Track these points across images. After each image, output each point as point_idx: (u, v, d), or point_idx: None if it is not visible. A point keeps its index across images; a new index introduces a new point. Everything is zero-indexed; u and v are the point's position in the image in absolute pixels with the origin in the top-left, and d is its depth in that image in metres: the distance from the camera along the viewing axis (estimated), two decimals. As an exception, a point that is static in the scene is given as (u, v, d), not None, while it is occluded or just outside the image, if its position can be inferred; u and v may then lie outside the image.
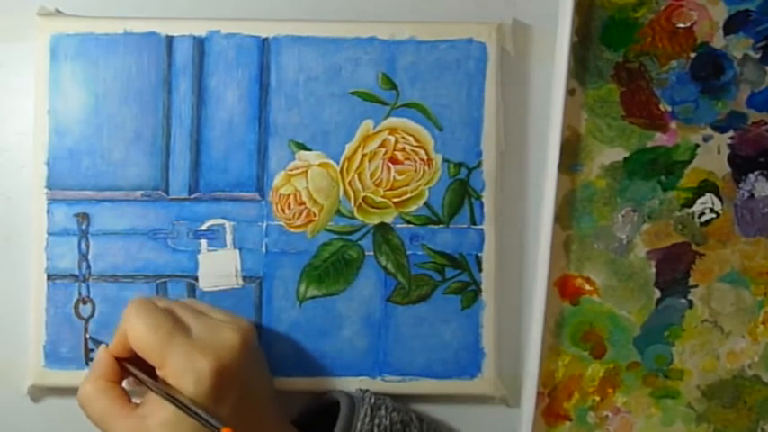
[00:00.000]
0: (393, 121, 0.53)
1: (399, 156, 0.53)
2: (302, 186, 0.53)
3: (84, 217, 0.52)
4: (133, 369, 0.47)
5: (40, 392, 0.54)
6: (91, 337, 0.52)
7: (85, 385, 0.46)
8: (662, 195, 0.55)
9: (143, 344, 0.45)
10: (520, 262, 0.55)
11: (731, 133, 0.55)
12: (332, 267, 0.53)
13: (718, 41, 0.54)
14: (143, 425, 0.44)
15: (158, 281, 0.53)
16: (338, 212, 0.53)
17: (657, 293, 0.55)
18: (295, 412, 0.53)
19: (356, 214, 0.53)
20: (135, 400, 0.46)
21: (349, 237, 0.53)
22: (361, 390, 0.52)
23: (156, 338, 0.45)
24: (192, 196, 0.53)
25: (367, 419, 0.48)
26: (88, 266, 0.52)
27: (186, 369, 0.44)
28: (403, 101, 0.53)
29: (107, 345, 0.48)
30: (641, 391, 0.56)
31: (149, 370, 0.46)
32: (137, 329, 0.45)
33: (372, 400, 0.50)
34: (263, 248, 0.53)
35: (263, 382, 0.50)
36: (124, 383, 0.48)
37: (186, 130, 0.52)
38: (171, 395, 0.44)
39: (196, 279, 0.53)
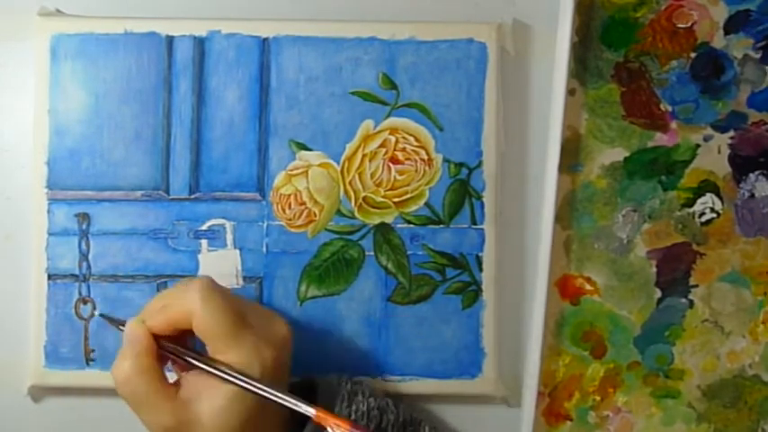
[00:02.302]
0: (393, 121, 0.53)
1: (400, 156, 0.53)
2: (303, 186, 0.53)
3: (84, 217, 0.52)
4: (184, 351, 0.45)
5: (40, 392, 0.54)
6: (103, 314, 0.51)
7: (123, 363, 0.44)
8: (662, 195, 0.55)
9: (213, 329, 0.44)
10: (520, 262, 0.55)
11: (731, 133, 0.55)
12: (332, 267, 0.53)
13: (719, 41, 0.54)
14: (187, 412, 0.43)
15: (158, 281, 0.53)
16: (339, 212, 0.53)
17: (658, 293, 0.55)
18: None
19: (357, 214, 0.53)
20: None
21: (349, 237, 0.53)
22: (337, 375, 0.52)
23: (226, 325, 0.44)
24: (193, 196, 0.53)
25: (344, 405, 0.48)
26: (88, 266, 0.52)
27: (255, 358, 0.44)
28: (403, 101, 0.53)
29: (139, 319, 0.45)
30: (642, 390, 0.56)
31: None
32: (208, 314, 0.44)
33: (350, 386, 0.50)
34: (264, 248, 0.53)
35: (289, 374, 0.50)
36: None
37: (186, 130, 0.52)
38: (236, 377, 0.43)
39: (196, 279, 0.53)
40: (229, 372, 0.44)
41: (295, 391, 0.52)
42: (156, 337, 0.45)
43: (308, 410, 0.43)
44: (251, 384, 0.43)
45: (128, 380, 0.44)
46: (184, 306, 0.45)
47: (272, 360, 0.45)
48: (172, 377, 0.46)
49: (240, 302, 0.47)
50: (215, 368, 0.44)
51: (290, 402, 0.44)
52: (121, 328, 0.47)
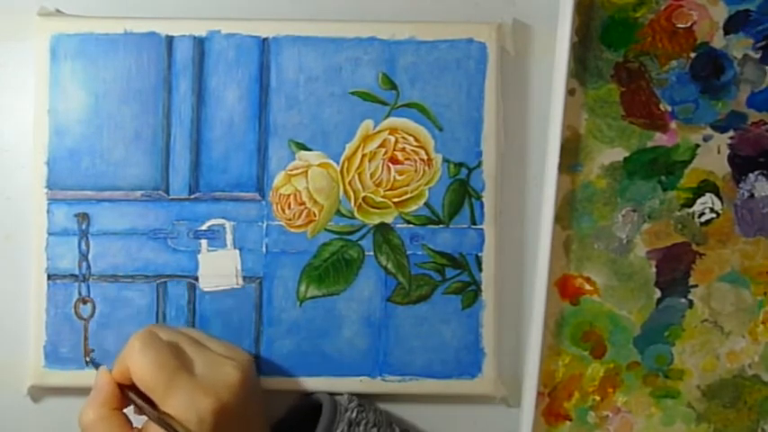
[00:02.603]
0: (393, 121, 0.53)
1: (399, 156, 0.53)
2: (302, 186, 0.53)
3: (84, 217, 0.52)
4: (135, 398, 0.46)
5: (40, 392, 0.54)
6: (92, 360, 0.52)
7: (88, 412, 0.46)
8: (662, 195, 0.55)
9: (147, 380, 0.45)
10: (520, 262, 0.55)
11: (731, 133, 0.55)
12: (332, 267, 0.53)
13: (719, 41, 0.54)
14: None
15: (158, 281, 0.53)
16: (338, 212, 0.53)
17: (657, 293, 0.55)
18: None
19: (356, 214, 0.53)
20: (136, 425, 0.46)
21: (349, 237, 0.53)
22: (349, 396, 0.52)
23: (159, 376, 0.45)
24: (192, 196, 0.53)
25: None
26: (88, 266, 0.52)
27: (189, 408, 0.44)
28: (403, 101, 0.53)
29: (108, 369, 0.47)
30: (641, 390, 0.56)
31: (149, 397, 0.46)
32: (141, 366, 0.45)
33: (354, 414, 0.50)
34: (264, 248, 0.53)
35: (260, 417, 0.50)
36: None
37: (186, 130, 0.52)
38: (172, 426, 0.44)
39: (196, 279, 0.53)
40: (171, 423, 0.44)
41: (301, 411, 0.52)
42: (124, 387, 0.47)
43: None
44: (170, 429, 0.44)
45: (91, 427, 0.46)
46: (124, 359, 0.46)
47: (212, 409, 0.44)
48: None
49: (189, 348, 0.47)
50: (157, 419, 0.44)
51: None
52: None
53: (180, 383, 0.45)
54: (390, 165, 0.53)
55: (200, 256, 0.53)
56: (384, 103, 0.53)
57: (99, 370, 0.47)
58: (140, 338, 0.46)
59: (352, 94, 0.53)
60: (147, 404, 0.45)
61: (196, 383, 0.45)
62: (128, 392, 0.47)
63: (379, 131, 0.53)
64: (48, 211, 0.52)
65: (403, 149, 0.53)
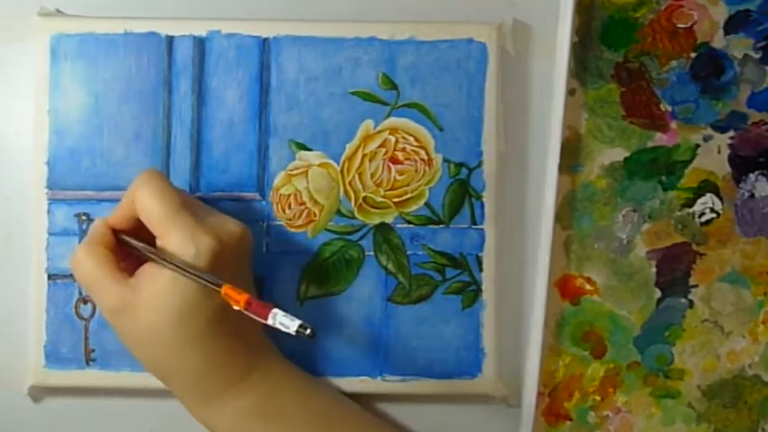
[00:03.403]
0: (393, 121, 0.53)
1: (400, 156, 0.53)
2: (303, 186, 0.53)
3: (84, 217, 0.52)
4: (129, 238, 0.47)
5: (40, 392, 0.54)
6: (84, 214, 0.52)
7: (77, 249, 0.46)
8: (662, 195, 0.55)
9: (150, 210, 0.45)
10: (520, 262, 0.55)
11: (731, 133, 0.55)
12: (332, 267, 0.53)
13: (719, 41, 0.54)
14: (133, 295, 0.45)
15: (158, 281, 0.53)
16: (339, 212, 0.53)
17: (658, 293, 0.55)
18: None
19: (356, 214, 0.53)
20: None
21: (349, 237, 0.53)
22: None
23: (164, 207, 0.45)
24: (193, 196, 0.53)
25: None
26: (88, 266, 0.52)
27: (187, 241, 0.44)
28: (403, 101, 0.53)
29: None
30: (642, 390, 0.56)
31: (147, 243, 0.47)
32: (146, 195, 0.45)
33: None
34: (264, 248, 0.53)
35: (249, 276, 0.51)
36: None
37: (186, 131, 0.52)
38: (169, 261, 0.44)
39: (196, 279, 0.53)
40: (163, 256, 0.45)
41: None
42: (117, 231, 0.47)
43: (216, 288, 0.44)
44: (181, 268, 0.44)
45: (78, 262, 0.46)
46: (129, 195, 0.47)
47: (210, 246, 0.45)
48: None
49: (190, 199, 0.49)
50: (152, 253, 0.45)
51: (203, 281, 0.44)
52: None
53: (182, 217, 0.45)
54: (390, 165, 0.53)
55: (200, 256, 0.53)
56: (384, 103, 0.53)
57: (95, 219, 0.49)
58: (147, 173, 0.47)
59: (353, 94, 0.53)
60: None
61: (199, 223, 0.46)
62: (122, 236, 0.47)
63: (380, 131, 0.53)
64: (48, 211, 0.52)
65: (403, 149, 0.53)
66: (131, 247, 0.47)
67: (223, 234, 0.46)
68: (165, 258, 0.45)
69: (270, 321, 0.42)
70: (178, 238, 0.45)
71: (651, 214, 0.55)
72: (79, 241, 0.52)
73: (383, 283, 0.53)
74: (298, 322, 0.41)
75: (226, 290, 0.43)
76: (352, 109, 0.53)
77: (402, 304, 0.53)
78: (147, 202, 0.45)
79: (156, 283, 0.45)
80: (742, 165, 0.55)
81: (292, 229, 0.53)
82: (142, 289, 0.45)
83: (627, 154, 0.54)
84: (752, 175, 0.55)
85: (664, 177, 0.55)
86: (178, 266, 0.44)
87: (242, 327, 0.47)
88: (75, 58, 0.52)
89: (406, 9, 0.54)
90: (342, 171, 0.53)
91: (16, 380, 0.53)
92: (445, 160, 0.53)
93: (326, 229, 0.53)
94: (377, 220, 0.53)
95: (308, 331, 0.41)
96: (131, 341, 0.47)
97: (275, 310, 0.42)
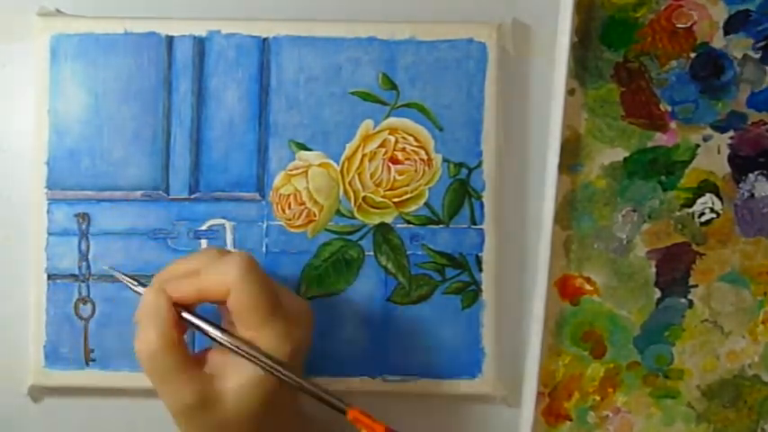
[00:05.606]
0: (393, 121, 0.53)
1: (399, 156, 0.53)
2: (302, 186, 0.53)
3: (84, 217, 0.52)
4: (197, 320, 0.43)
5: (40, 392, 0.54)
6: (112, 268, 0.48)
7: (149, 336, 0.42)
8: (662, 195, 0.55)
9: (250, 306, 0.42)
10: (520, 262, 0.55)
11: (731, 133, 0.55)
12: (332, 267, 0.53)
13: (719, 41, 0.54)
14: (214, 387, 0.42)
15: (158, 281, 0.53)
16: (338, 212, 0.53)
17: (657, 293, 0.55)
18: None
19: (356, 214, 0.53)
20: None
21: (349, 237, 0.53)
22: None
23: (263, 304, 0.43)
24: (193, 196, 0.53)
25: None
26: (88, 266, 0.52)
27: (284, 339, 0.42)
28: (403, 101, 0.53)
29: (158, 286, 0.44)
30: (641, 390, 0.56)
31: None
32: (247, 290, 0.42)
33: None
34: (264, 248, 0.53)
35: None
36: None
37: (186, 130, 0.52)
38: (258, 357, 0.42)
39: (196, 279, 0.53)
40: (256, 354, 0.42)
41: None
42: (175, 306, 0.43)
43: (341, 407, 0.43)
44: (277, 369, 0.42)
45: (154, 355, 0.42)
46: (221, 278, 0.43)
47: (301, 342, 0.44)
48: None
49: (273, 281, 0.46)
50: (241, 349, 0.43)
51: (322, 396, 0.43)
52: (137, 289, 0.45)
53: (279, 313, 0.43)
54: (390, 165, 0.53)
55: (200, 256, 0.53)
56: (384, 103, 0.53)
57: (147, 288, 0.44)
58: (247, 260, 0.43)
59: (352, 94, 0.53)
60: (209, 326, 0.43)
61: (290, 315, 0.44)
62: (188, 316, 0.43)
63: (379, 131, 0.53)
64: (48, 211, 0.52)
65: (403, 149, 0.53)
66: (196, 329, 0.44)
67: (304, 321, 0.46)
68: (253, 354, 0.42)
69: None
70: (274, 336, 0.43)
71: (651, 214, 0.55)
72: (79, 241, 0.52)
73: (383, 283, 0.53)
74: None
75: (354, 414, 0.42)
76: (351, 109, 0.53)
77: (402, 304, 0.53)
78: (249, 297, 0.42)
79: (241, 379, 0.42)
80: (742, 165, 0.55)
81: (292, 229, 0.53)
82: (225, 384, 0.42)
83: (627, 154, 0.54)
84: (752, 175, 0.55)
85: (663, 177, 0.55)
86: (267, 364, 0.42)
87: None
88: (75, 58, 0.52)
89: (406, 9, 0.54)
90: (341, 171, 0.53)
91: (16, 380, 0.53)
92: (445, 160, 0.53)
93: (326, 229, 0.53)
94: (376, 220, 0.53)
95: None
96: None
97: None
